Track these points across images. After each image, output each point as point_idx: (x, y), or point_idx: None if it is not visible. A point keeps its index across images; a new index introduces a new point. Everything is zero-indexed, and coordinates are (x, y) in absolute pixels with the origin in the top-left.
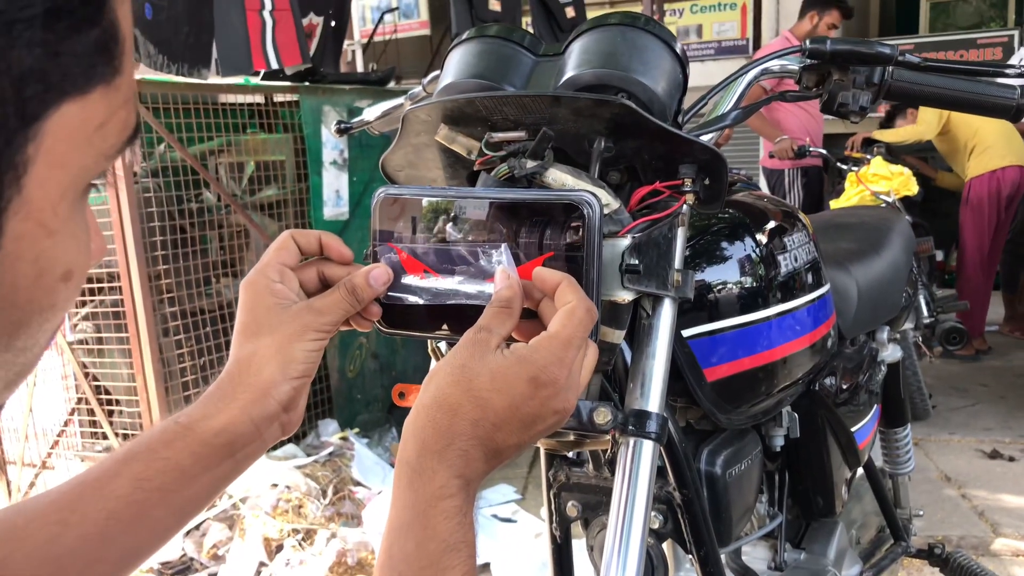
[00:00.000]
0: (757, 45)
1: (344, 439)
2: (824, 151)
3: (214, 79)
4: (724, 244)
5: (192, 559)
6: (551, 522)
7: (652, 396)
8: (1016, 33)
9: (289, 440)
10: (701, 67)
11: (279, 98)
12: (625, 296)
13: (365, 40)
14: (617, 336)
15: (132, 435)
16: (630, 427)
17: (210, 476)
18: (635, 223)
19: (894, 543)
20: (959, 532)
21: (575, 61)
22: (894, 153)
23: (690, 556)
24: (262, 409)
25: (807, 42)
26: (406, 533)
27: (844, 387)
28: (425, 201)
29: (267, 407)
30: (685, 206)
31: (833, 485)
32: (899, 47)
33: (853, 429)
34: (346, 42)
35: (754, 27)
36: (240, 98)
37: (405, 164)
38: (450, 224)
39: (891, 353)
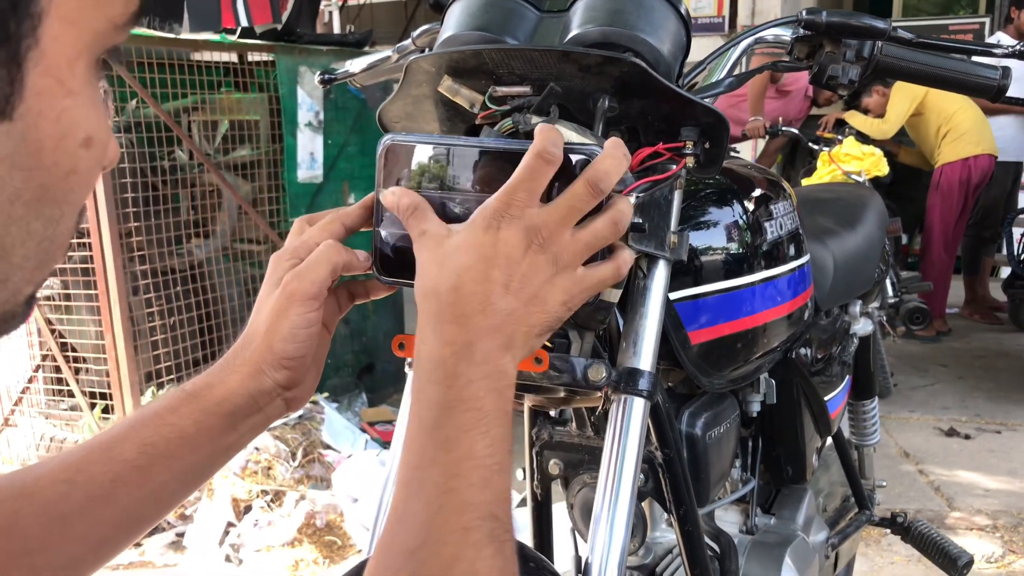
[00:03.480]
0: (733, 24)
1: (314, 403)
2: (795, 131)
3: (186, 34)
4: (712, 209)
5: None
6: (532, 480)
7: (644, 355)
8: (987, 20)
9: None
10: None
11: (254, 57)
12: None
13: (341, 2)
14: (615, 295)
15: (99, 393)
16: (622, 384)
17: (212, 446)
18: (638, 183)
19: (858, 511)
20: (916, 506)
21: (581, 18)
22: (864, 136)
23: (666, 516)
24: (258, 384)
25: (803, 12)
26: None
27: (819, 357)
28: (430, 150)
29: (262, 383)
30: (684, 168)
31: (804, 452)
32: (891, 24)
33: (826, 398)
34: (323, 3)
35: (730, 5)
36: (215, 56)
37: (403, 115)
38: (455, 174)
39: (863, 326)
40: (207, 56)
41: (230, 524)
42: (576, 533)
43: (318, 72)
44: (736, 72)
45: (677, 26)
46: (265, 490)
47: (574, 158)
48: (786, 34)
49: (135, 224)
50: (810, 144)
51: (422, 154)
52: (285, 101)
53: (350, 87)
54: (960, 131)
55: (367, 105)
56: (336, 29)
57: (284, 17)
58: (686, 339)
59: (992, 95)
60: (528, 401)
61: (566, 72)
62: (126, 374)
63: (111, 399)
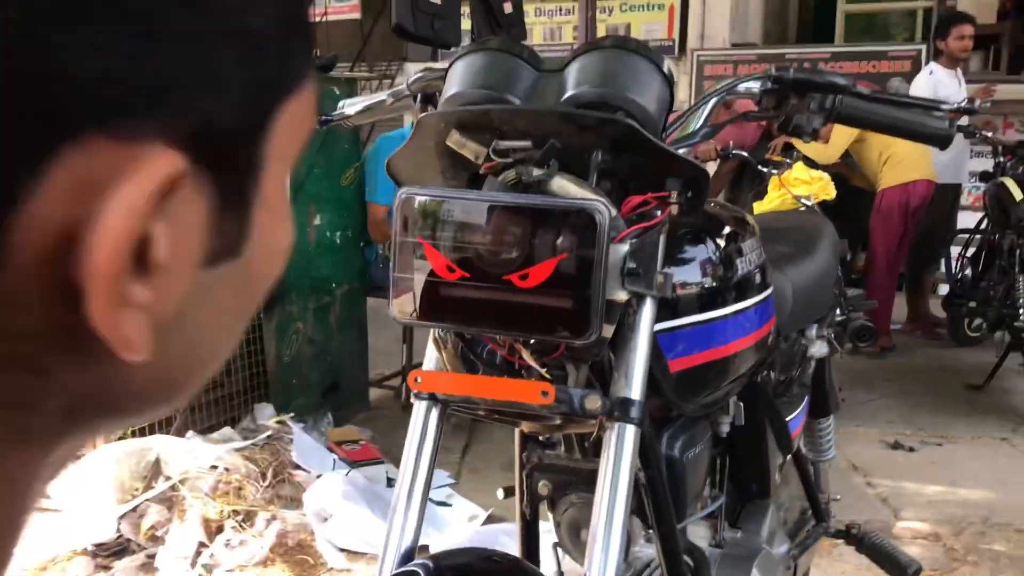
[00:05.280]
0: (683, 47)
1: (281, 423)
2: (745, 153)
3: None
4: (688, 247)
5: (129, 540)
6: (522, 500)
7: (635, 385)
8: (923, 47)
9: (225, 423)
10: None
11: None
12: (622, 296)
13: None
14: (610, 331)
15: None
16: (616, 413)
17: None
18: (630, 229)
19: (816, 524)
20: (865, 516)
21: (576, 79)
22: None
23: (643, 532)
24: None
25: (772, 68)
26: None
27: (780, 379)
28: (442, 203)
29: None
30: (668, 216)
31: (768, 469)
32: (852, 81)
33: (788, 418)
34: None
35: (680, 29)
36: None
37: (410, 165)
38: (464, 224)
39: (819, 349)
40: None
41: (202, 544)
42: (558, 549)
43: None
44: (712, 121)
45: (662, 86)
46: (236, 510)
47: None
48: (756, 87)
49: None
50: (759, 167)
51: (434, 206)
52: None
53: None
54: (899, 158)
55: (334, 129)
56: None
57: None
58: (666, 368)
59: (942, 143)
60: (524, 427)
61: (565, 130)
62: None
63: None
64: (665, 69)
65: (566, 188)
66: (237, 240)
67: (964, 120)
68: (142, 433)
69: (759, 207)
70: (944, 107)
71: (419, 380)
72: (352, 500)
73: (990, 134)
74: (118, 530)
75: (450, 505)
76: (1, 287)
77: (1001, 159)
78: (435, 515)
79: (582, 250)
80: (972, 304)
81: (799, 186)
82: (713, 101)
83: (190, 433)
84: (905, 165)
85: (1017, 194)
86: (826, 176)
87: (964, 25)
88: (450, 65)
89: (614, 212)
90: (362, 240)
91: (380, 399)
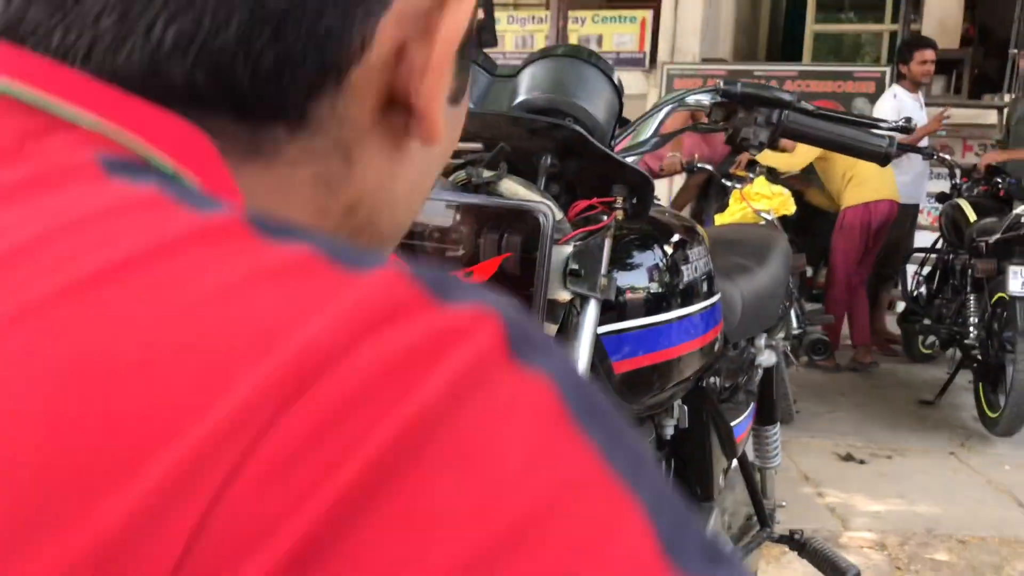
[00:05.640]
0: (653, 60)
1: None
2: (710, 167)
3: None
4: (636, 252)
5: None
6: None
7: None
8: (888, 70)
9: None
10: None
11: None
12: (564, 296)
13: None
14: (553, 331)
15: None
16: None
17: None
18: (575, 232)
19: (760, 529)
20: (814, 525)
21: (528, 85)
22: (774, 174)
23: None
24: None
25: (721, 83)
26: None
27: (727, 386)
28: None
29: None
30: (614, 221)
31: (712, 473)
32: (797, 96)
33: (732, 423)
34: None
35: (652, 42)
36: None
37: None
38: (413, 223)
39: (767, 358)
40: None
41: None
42: None
43: None
44: (661, 132)
45: (611, 94)
46: None
47: (522, 212)
48: (706, 100)
49: None
50: (723, 181)
51: None
52: None
53: None
54: (862, 177)
55: None
56: None
57: None
58: (610, 369)
59: (880, 160)
60: None
61: (515, 134)
62: None
63: None
64: (615, 79)
65: (514, 190)
66: (462, 88)
67: (924, 142)
68: None
69: (720, 219)
70: (883, 125)
71: None
72: None
73: (948, 156)
74: None
75: None
76: (356, 77)
77: (958, 181)
78: None
79: (526, 250)
80: (926, 322)
81: (759, 200)
82: (664, 111)
83: None
84: (868, 185)
85: (971, 215)
86: (786, 192)
87: (926, 50)
88: None
89: (560, 215)
90: None
91: None
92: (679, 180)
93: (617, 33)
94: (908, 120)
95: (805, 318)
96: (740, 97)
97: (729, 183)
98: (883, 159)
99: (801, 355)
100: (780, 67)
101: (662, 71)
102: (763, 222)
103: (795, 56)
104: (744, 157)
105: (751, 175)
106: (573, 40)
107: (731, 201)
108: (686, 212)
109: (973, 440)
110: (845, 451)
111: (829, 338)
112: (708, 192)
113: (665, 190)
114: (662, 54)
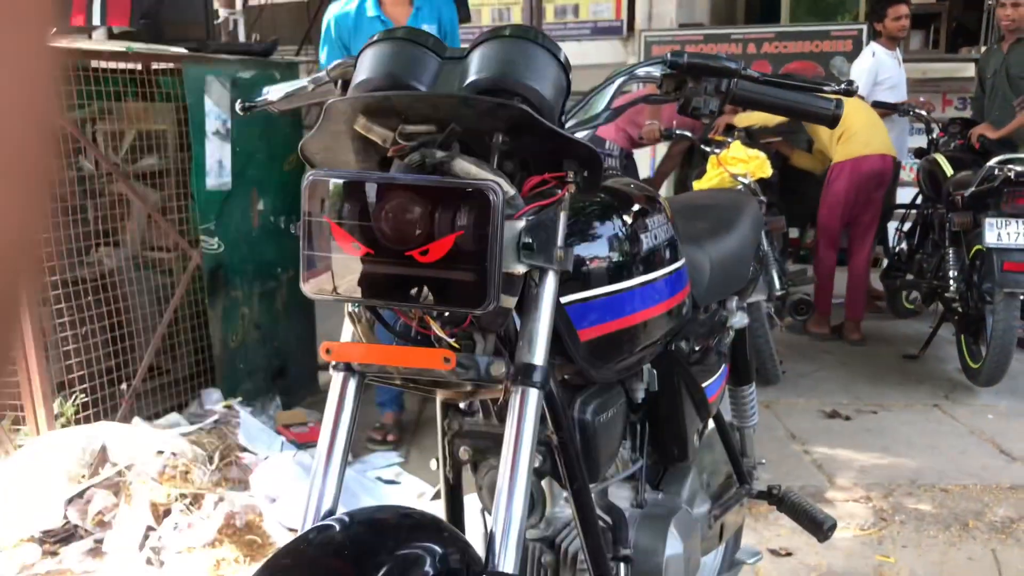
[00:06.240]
0: (631, 27)
1: (228, 407)
2: (688, 134)
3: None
4: (596, 223)
5: (76, 527)
6: (444, 466)
7: (537, 351)
8: (865, 27)
9: (172, 408)
10: (578, 46)
11: (158, 66)
12: (519, 268)
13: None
14: (511, 302)
15: (10, 404)
16: (519, 377)
17: None
18: (527, 208)
19: (739, 486)
20: (800, 482)
21: (477, 66)
22: (752, 137)
23: (564, 494)
24: None
25: (668, 54)
26: None
27: (697, 348)
28: (348, 184)
29: None
30: (568, 194)
31: (686, 434)
32: (749, 47)
33: (704, 384)
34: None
35: (628, 9)
36: (114, 64)
37: (323, 148)
38: (369, 205)
39: (739, 320)
40: (112, 64)
41: (150, 528)
42: (485, 513)
43: (238, 101)
44: (614, 105)
45: (558, 73)
46: (183, 493)
47: (472, 190)
48: (656, 72)
49: (43, 235)
50: (703, 147)
51: (339, 187)
52: (192, 110)
53: (256, 96)
54: (852, 131)
55: (275, 115)
56: (241, 37)
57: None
58: (576, 337)
59: (829, 123)
60: (439, 395)
61: (465, 114)
62: (37, 385)
63: (22, 410)
64: (562, 58)
65: (467, 169)
66: None
67: (903, 96)
68: (86, 422)
69: (698, 185)
70: (827, 89)
71: (330, 351)
72: (300, 480)
73: (924, 112)
74: (65, 516)
75: (399, 483)
76: None
77: (935, 136)
78: (384, 493)
79: (478, 227)
80: (908, 277)
81: (736, 164)
82: (616, 84)
83: (136, 420)
84: (857, 139)
85: (948, 169)
86: (762, 155)
87: (899, 5)
88: (360, 53)
89: (511, 191)
90: None
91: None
92: (662, 150)
93: (593, 2)
94: (851, 83)
95: (788, 279)
96: (688, 67)
97: (708, 149)
98: (831, 121)
99: (785, 316)
100: (757, 29)
101: (640, 38)
102: (740, 186)
103: (773, 17)
104: (722, 122)
105: (729, 139)
106: (549, 12)
107: (708, 167)
108: (670, 180)
109: (957, 392)
110: (831, 408)
111: (819, 303)
112: (689, 158)
113: (647, 160)
114: (639, 21)
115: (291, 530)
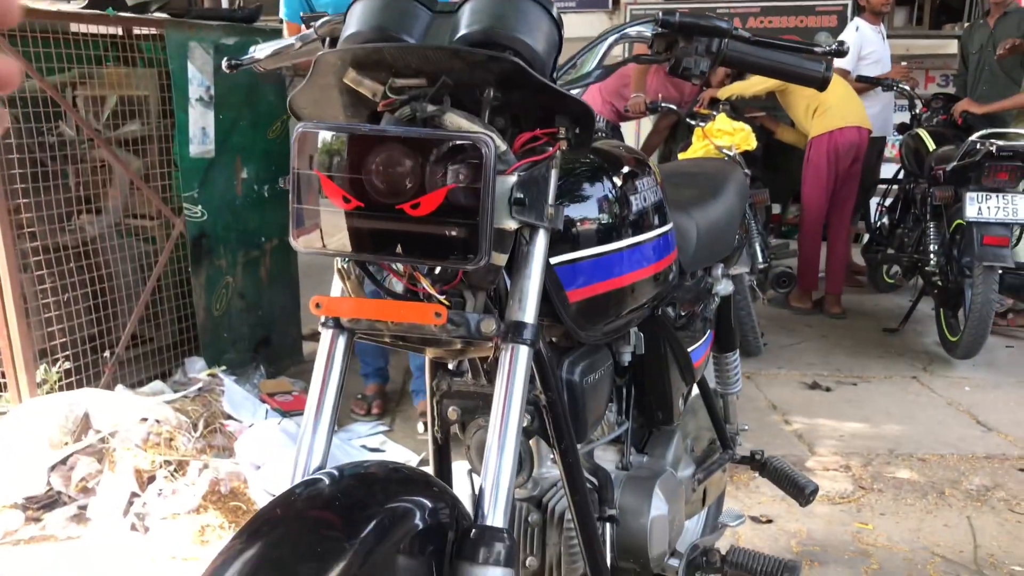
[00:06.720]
0: (616, 1)
1: (213, 376)
2: (674, 107)
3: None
4: (586, 184)
5: (60, 493)
6: (433, 426)
7: (528, 309)
8: (849, 3)
9: (155, 376)
10: (564, 19)
11: (141, 31)
12: (511, 224)
13: None
14: (502, 259)
15: None
16: (510, 335)
17: None
18: (519, 163)
19: (723, 451)
20: (781, 452)
21: (468, 19)
22: (737, 111)
23: (551, 454)
24: None
25: (660, 13)
26: None
27: (683, 313)
28: (338, 137)
29: None
30: (559, 151)
31: (672, 397)
32: (734, 22)
33: (689, 349)
34: None
35: None
36: (99, 29)
37: (312, 103)
38: (360, 157)
39: (724, 287)
40: (92, 29)
41: (134, 495)
42: (472, 475)
43: (225, 58)
44: (604, 64)
45: (551, 27)
46: (168, 460)
47: (464, 144)
48: (647, 31)
49: (23, 200)
50: (688, 120)
51: (330, 140)
52: (176, 76)
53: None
54: (827, 106)
55: (258, 79)
56: (225, 3)
57: None
58: (565, 298)
59: (819, 85)
60: (428, 354)
61: (456, 68)
62: (19, 351)
63: (3, 377)
64: (554, 13)
65: (458, 123)
66: None
67: (886, 69)
68: (69, 388)
69: (684, 156)
70: (817, 50)
71: (320, 305)
72: (285, 447)
73: (908, 88)
74: (48, 483)
75: (383, 451)
76: None
77: (918, 111)
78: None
79: (470, 180)
80: (889, 252)
81: (721, 137)
82: (608, 43)
83: (119, 387)
84: (832, 112)
85: (931, 144)
86: (747, 128)
87: None
88: (349, 7)
89: (503, 146)
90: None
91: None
92: (647, 125)
93: None
94: (841, 44)
95: (770, 252)
96: (679, 27)
97: (693, 122)
98: (821, 83)
99: (767, 289)
100: (743, 3)
101: (625, 11)
102: (725, 158)
103: None
104: (707, 95)
105: (714, 112)
106: None
107: (693, 138)
108: (656, 155)
109: (935, 364)
110: (811, 380)
111: (803, 278)
112: (675, 131)
113: (633, 134)
114: None
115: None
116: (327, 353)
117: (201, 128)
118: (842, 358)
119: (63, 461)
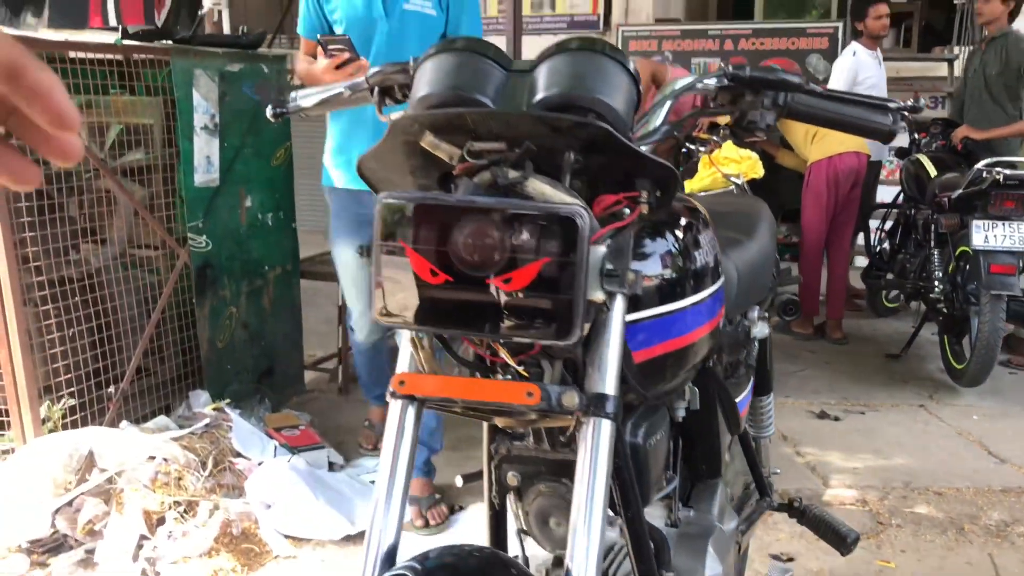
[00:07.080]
0: (607, 22)
1: (218, 410)
2: (675, 133)
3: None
4: (649, 242)
5: (65, 536)
6: (490, 491)
7: (609, 380)
8: (840, 25)
9: (159, 410)
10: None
11: (141, 57)
12: (600, 296)
13: None
14: (586, 328)
15: None
16: (592, 408)
17: None
18: (604, 230)
19: (760, 499)
20: (796, 485)
21: (547, 80)
22: (737, 136)
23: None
24: None
25: (730, 67)
26: None
27: (729, 362)
28: (422, 207)
29: None
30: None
31: (719, 449)
32: (805, 79)
33: (737, 399)
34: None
35: (605, 4)
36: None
37: (381, 166)
38: (448, 229)
39: (760, 330)
40: (90, 55)
41: (143, 537)
42: (521, 536)
43: (269, 107)
44: (671, 119)
45: (629, 84)
46: (178, 501)
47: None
48: (713, 84)
49: (30, 234)
50: (687, 144)
51: (416, 210)
52: (181, 104)
53: (244, 89)
54: (825, 132)
55: (262, 108)
56: (227, 29)
57: (161, 18)
58: (631, 359)
59: (885, 138)
60: (498, 422)
61: (539, 132)
62: (23, 388)
63: (7, 415)
64: (632, 69)
65: (541, 190)
66: None
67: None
68: (73, 426)
69: (690, 185)
70: (892, 105)
71: (403, 383)
72: (295, 486)
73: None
74: (53, 525)
75: None
76: None
77: (916, 136)
78: None
79: (563, 254)
80: (889, 276)
81: (728, 164)
82: (672, 100)
83: (124, 423)
84: (831, 138)
85: (932, 170)
86: (754, 155)
87: (880, 5)
88: (418, 65)
89: (591, 217)
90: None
91: (315, 381)
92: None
93: None
94: (917, 100)
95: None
96: (748, 81)
97: (694, 147)
98: (887, 136)
99: (772, 316)
100: (734, 25)
101: (617, 33)
102: (732, 186)
103: (746, 14)
104: (706, 120)
105: (715, 138)
106: (526, 5)
107: (700, 166)
108: None
109: (941, 392)
110: (819, 409)
111: (805, 303)
112: (677, 159)
113: None
114: (616, 16)
115: (288, 537)
116: (397, 426)
117: (206, 156)
118: (847, 385)
119: (69, 503)
